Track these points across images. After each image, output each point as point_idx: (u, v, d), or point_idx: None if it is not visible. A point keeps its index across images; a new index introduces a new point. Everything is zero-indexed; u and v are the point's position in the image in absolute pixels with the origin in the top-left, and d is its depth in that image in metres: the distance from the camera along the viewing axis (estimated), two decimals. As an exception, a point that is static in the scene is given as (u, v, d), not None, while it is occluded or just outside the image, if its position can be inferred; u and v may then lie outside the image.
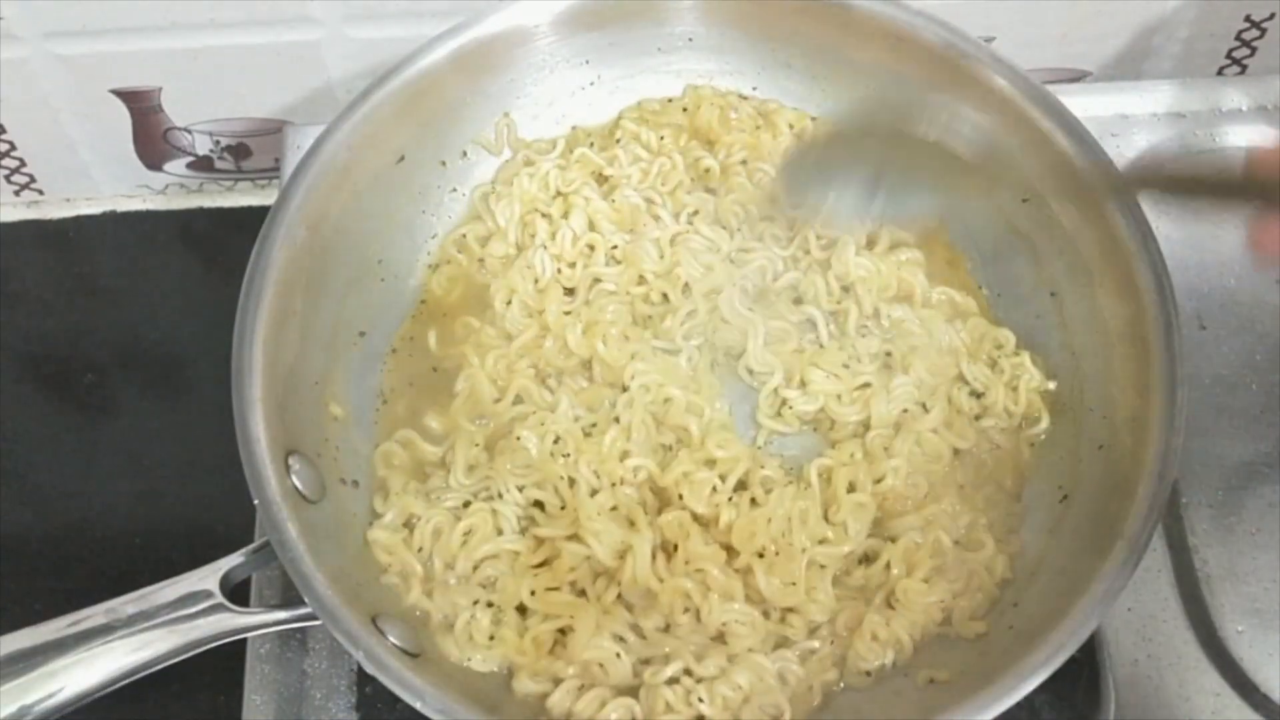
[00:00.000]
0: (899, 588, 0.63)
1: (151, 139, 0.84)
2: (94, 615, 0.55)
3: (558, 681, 0.61)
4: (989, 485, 0.67)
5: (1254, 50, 0.86)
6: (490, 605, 0.62)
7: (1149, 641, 0.66)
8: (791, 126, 0.75)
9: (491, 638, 0.61)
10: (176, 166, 0.87)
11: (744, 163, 0.74)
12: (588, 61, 0.75)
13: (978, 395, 0.69)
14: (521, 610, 0.63)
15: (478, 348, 0.69)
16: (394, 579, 0.63)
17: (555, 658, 0.61)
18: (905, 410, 0.68)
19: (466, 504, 0.65)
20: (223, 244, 0.87)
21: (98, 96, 0.80)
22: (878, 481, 0.66)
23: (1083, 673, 0.64)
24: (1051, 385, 0.69)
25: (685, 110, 0.76)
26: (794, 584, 0.63)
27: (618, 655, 0.61)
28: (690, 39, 0.75)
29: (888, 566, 0.64)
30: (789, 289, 0.71)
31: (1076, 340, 0.69)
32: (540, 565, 0.64)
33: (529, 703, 0.61)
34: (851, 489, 0.66)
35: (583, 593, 0.63)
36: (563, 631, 0.62)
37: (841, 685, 0.62)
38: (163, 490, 0.77)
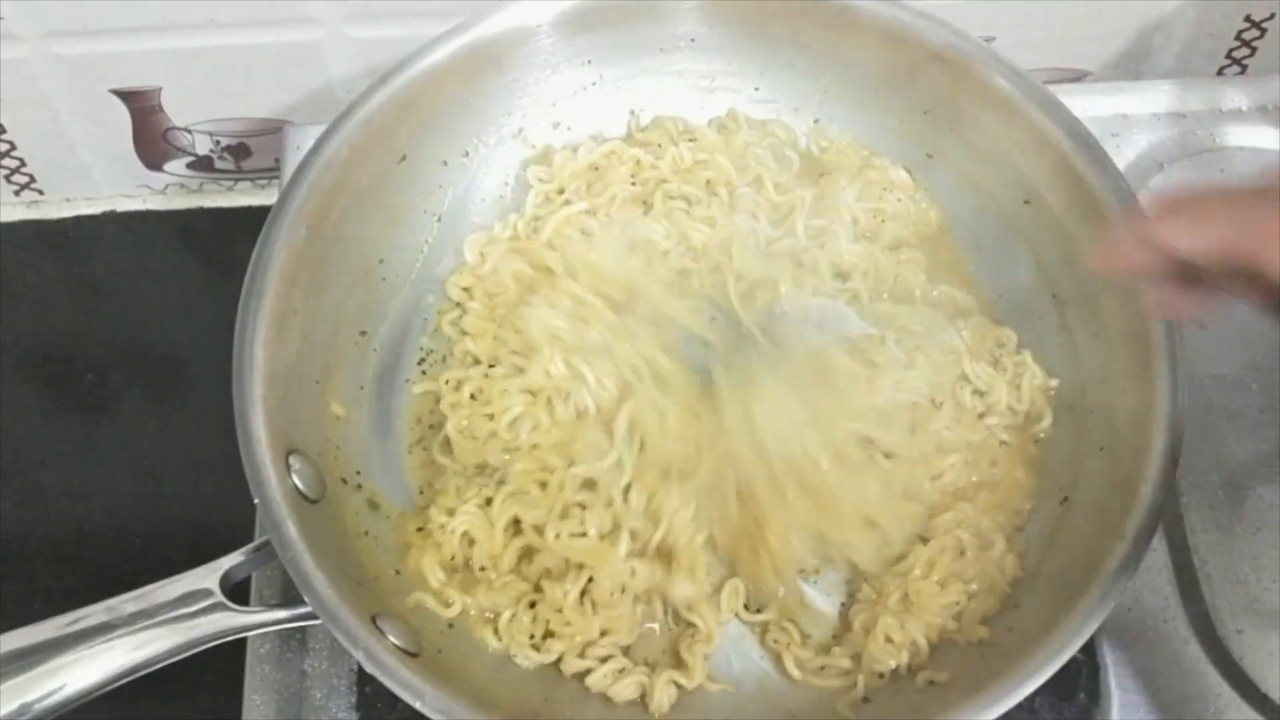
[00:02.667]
0: (913, 589, 0.63)
1: (151, 139, 0.84)
2: (94, 614, 0.55)
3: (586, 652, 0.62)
4: (1003, 482, 0.67)
5: (1254, 50, 0.86)
6: (533, 605, 0.63)
7: (1149, 641, 0.66)
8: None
9: (532, 636, 0.62)
10: (176, 166, 0.87)
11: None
12: (590, 61, 0.75)
13: (981, 394, 0.69)
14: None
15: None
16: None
17: (582, 614, 0.62)
18: (915, 403, 0.68)
19: (489, 500, 0.65)
20: (223, 244, 0.87)
21: (98, 96, 0.80)
22: (935, 479, 0.67)
23: (1083, 673, 0.64)
24: (1054, 383, 0.69)
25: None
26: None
27: (633, 571, 0.62)
28: (692, 39, 0.75)
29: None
30: (788, 254, 0.72)
31: (1078, 341, 0.69)
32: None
33: (529, 702, 0.61)
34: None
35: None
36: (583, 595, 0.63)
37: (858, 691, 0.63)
38: (163, 490, 0.77)
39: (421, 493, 0.67)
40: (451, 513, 0.64)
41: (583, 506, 0.64)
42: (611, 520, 0.64)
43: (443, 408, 0.69)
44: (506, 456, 0.66)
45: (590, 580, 0.63)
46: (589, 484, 0.65)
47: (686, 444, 0.65)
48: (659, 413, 0.66)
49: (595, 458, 0.65)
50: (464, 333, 0.71)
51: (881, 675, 0.62)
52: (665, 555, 0.64)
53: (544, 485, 0.65)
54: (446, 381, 0.69)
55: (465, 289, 0.73)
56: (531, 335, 0.68)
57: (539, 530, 0.64)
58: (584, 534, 0.64)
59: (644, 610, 0.64)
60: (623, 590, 0.63)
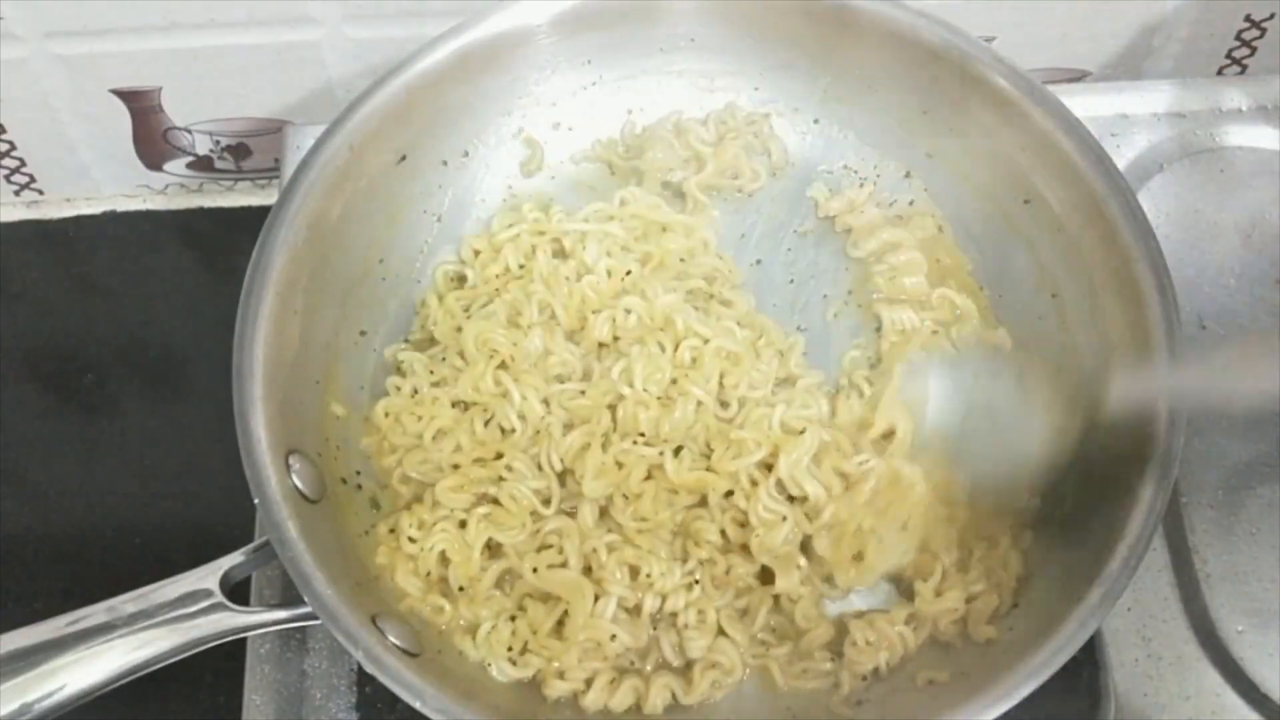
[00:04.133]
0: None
1: (151, 139, 0.84)
2: (94, 614, 0.55)
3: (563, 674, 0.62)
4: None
5: (1254, 50, 0.86)
6: (513, 619, 0.63)
7: (1149, 641, 0.66)
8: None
9: (511, 648, 0.62)
10: (176, 166, 0.87)
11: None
12: (589, 61, 0.75)
13: None
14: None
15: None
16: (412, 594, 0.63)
17: (558, 639, 0.62)
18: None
19: (463, 523, 0.64)
20: (223, 244, 0.87)
21: (98, 96, 0.80)
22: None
23: (1083, 673, 0.64)
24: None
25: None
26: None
27: (613, 637, 0.62)
28: (692, 39, 0.75)
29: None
30: None
31: (1078, 341, 0.69)
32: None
33: (529, 703, 0.61)
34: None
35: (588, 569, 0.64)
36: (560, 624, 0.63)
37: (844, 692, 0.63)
38: (163, 490, 0.77)
39: (384, 486, 0.67)
40: (423, 525, 0.64)
41: (560, 534, 0.64)
42: (588, 550, 0.64)
43: (387, 385, 0.69)
44: (425, 466, 0.66)
45: (567, 613, 0.63)
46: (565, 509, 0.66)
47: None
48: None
49: (520, 480, 0.65)
50: (440, 295, 0.71)
51: (864, 678, 0.62)
52: (668, 616, 0.64)
53: (505, 502, 0.65)
54: (401, 359, 0.69)
55: (476, 251, 0.73)
56: (467, 349, 0.68)
57: (519, 554, 0.64)
58: (563, 564, 0.63)
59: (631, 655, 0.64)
60: (598, 644, 0.62)
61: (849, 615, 0.65)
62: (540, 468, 0.66)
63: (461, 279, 0.72)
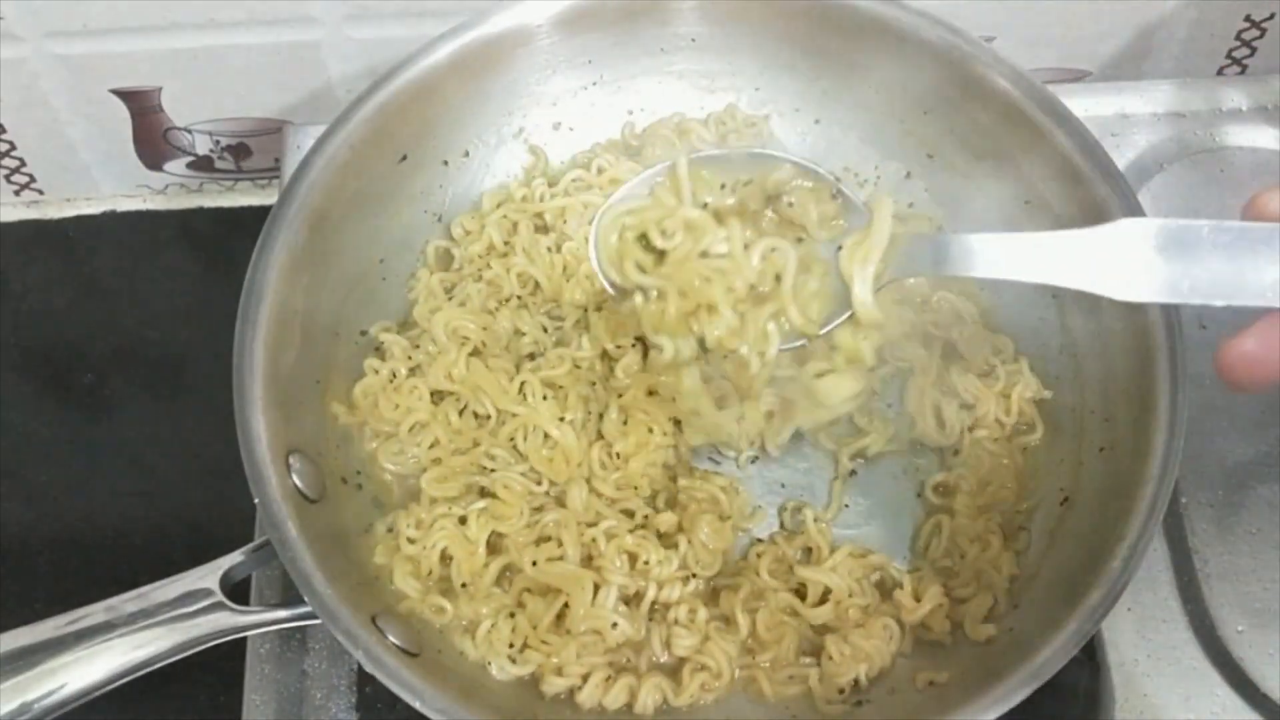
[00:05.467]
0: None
1: (151, 139, 0.84)
2: (94, 613, 0.55)
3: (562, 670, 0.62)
4: (991, 486, 0.67)
5: (1254, 50, 0.86)
6: (512, 615, 0.63)
7: (1149, 641, 0.66)
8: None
9: (512, 645, 0.62)
10: (176, 166, 0.87)
11: None
12: (590, 61, 0.75)
13: (969, 407, 0.69)
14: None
15: None
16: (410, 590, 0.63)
17: (557, 633, 0.62)
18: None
19: (463, 519, 0.65)
20: (223, 244, 0.87)
21: (98, 96, 0.80)
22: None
23: (1083, 673, 0.64)
24: (1048, 394, 0.69)
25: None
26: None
27: (614, 625, 0.62)
28: (693, 39, 0.75)
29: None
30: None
31: (1078, 343, 0.69)
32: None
33: (528, 702, 0.61)
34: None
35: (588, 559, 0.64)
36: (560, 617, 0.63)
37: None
38: (163, 490, 0.77)
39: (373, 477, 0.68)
40: (420, 524, 0.64)
41: (558, 525, 0.64)
42: (588, 540, 0.64)
43: (365, 366, 0.69)
44: (400, 458, 0.67)
45: (566, 606, 0.62)
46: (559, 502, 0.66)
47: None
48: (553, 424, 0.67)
49: (506, 467, 0.66)
50: (430, 270, 0.72)
51: (842, 690, 0.62)
52: (660, 608, 0.64)
53: (500, 493, 0.65)
54: (382, 340, 0.70)
55: (467, 232, 0.73)
56: (437, 336, 0.69)
57: (519, 548, 0.64)
58: (561, 557, 0.63)
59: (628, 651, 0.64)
60: (599, 633, 0.62)
61: (822, 628, 0.64)
62: (521, 453, 0.66)
63: (450, 258, 0.73)
